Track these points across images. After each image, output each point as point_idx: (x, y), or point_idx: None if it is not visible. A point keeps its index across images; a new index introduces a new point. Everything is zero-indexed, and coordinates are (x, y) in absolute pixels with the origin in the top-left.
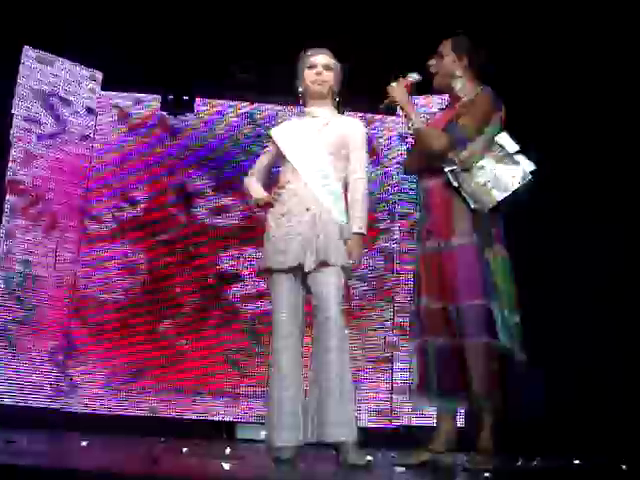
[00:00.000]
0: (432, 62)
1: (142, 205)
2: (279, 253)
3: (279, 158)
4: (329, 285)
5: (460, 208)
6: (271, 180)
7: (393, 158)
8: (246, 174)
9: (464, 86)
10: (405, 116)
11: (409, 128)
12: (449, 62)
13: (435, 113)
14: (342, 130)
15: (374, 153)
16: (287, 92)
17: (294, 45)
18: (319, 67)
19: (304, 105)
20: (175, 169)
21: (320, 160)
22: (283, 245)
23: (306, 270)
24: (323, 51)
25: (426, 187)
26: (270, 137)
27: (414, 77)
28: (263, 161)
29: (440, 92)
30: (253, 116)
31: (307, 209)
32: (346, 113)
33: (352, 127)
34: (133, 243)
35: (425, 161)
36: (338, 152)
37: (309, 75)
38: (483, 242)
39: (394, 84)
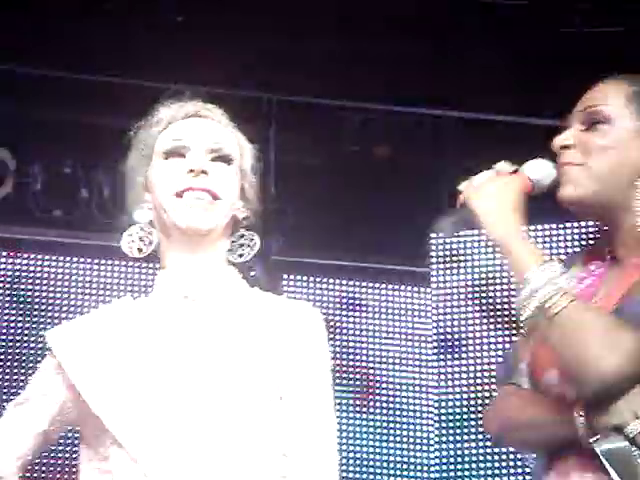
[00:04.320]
0: (566, 139)
1: None
2: None
3: (83, 425)
4: None
5: None
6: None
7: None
8: None
9: None
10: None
11: (520, 313)
12: (627, 138)
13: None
14: (273, 348)
15: (366, 395)
16: None
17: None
18: (198, 155)
19: (158, 259)
20: None
21: (220, 455)
22: None
23: None
24: (207, 109)
25: None
26: (53, 360)
27: (540, 171)
28: (25, 429)
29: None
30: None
31: None
32: (284, 284)
33: (301, 336)
34: None
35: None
36: (262, 421)
37: (172, 178)
38: None
39: (484, 177)
